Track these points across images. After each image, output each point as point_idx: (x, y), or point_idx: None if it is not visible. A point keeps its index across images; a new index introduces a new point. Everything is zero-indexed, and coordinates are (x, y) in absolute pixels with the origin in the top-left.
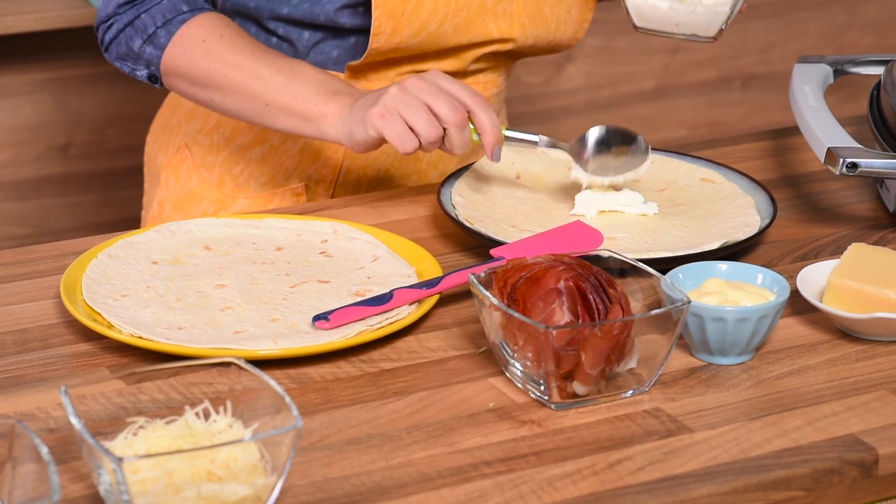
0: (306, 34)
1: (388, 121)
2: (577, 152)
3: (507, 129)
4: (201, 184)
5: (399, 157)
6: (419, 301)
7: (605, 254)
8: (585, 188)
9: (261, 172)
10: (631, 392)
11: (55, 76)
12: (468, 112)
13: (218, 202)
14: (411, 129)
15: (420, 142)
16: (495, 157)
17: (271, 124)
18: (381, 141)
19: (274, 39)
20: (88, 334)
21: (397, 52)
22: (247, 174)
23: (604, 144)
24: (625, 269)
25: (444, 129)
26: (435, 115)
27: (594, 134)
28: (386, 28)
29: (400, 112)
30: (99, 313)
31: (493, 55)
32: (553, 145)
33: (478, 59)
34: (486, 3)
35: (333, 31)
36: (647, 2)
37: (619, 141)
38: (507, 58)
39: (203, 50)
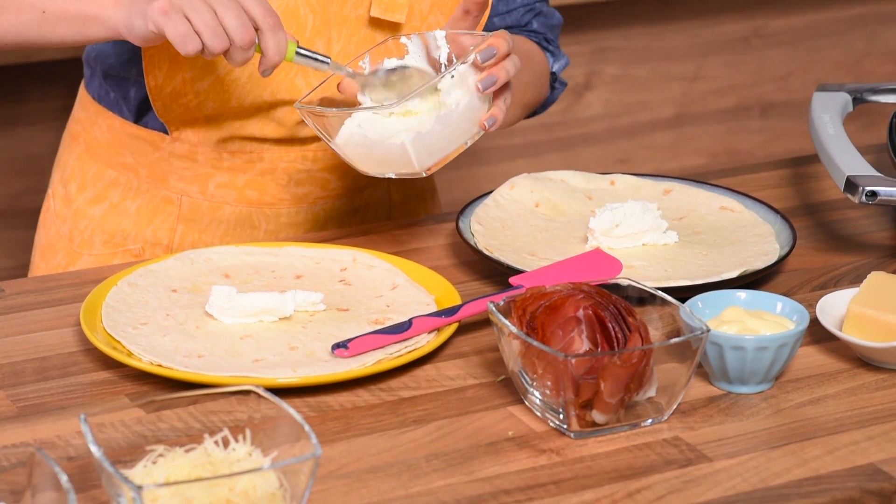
0: (133, 90)
1: (170, 18)
2: (366, 80)
3: (298, 47)
4: (57, 235)
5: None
6: (438, 329)
7: (625, 282)
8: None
9: (102, 231)
10: (650, 421)
11: (73, 104)
12: (257, 31)
13: (68, 256)
14: (195, 31)
15: (203, 47)
16: (263, 74)
17: (51, 36)
18: (161, 37)
19: (105, 97)
20: (108, 362)
21: (190, 102)
22: (90, 231)
23: (393, 73)
24: (644, 298)
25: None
26: (222, 27)
27: (387, 64)
28: (161, 63)
29: (185, 12)
30: (119, 341)
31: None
32: (339, 69)
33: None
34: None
35: None
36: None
37: (405, 76)
38: None
39: None
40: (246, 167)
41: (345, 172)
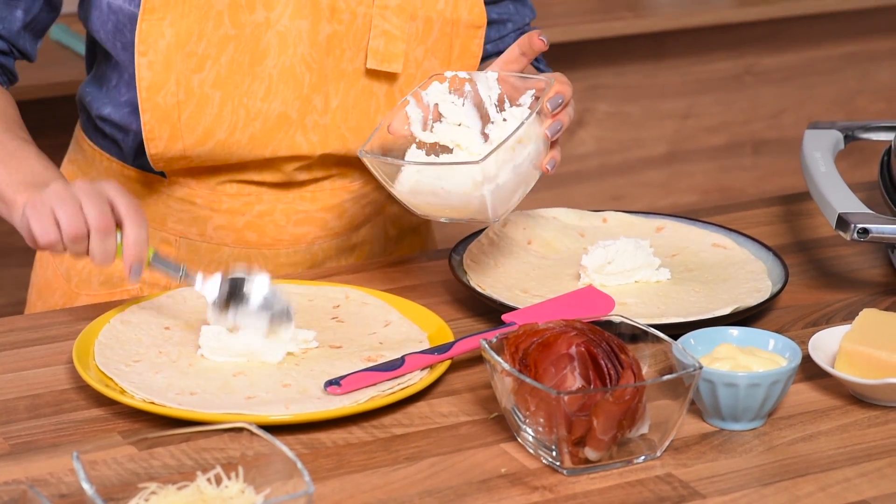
0: (130, 137)
1: (37, 210)
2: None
3: (154, 253)
4: (54, 274)
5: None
6: (431, 366)
7: (617, 319)
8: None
9: (99, 271)
10: (643, 457)
11: (66, 142)
12: (118, 223)
13: (66, 295)
14: (57, 223)
15: (61, 236)
16: (132, 276)
17: None
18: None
19: (102, 139)
20: (101, 399)
21: (191, 162)
22: (87, 272)
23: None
24: (636, 335)
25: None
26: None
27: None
28: (161, 133)
29: (50, 205)
30: (111, 378)
31: (335, 162)
32: (189, 278)
33: (306, 169)
34: (289, 116)
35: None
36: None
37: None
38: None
39: None
40: (244, 209)
41: (342, 212)
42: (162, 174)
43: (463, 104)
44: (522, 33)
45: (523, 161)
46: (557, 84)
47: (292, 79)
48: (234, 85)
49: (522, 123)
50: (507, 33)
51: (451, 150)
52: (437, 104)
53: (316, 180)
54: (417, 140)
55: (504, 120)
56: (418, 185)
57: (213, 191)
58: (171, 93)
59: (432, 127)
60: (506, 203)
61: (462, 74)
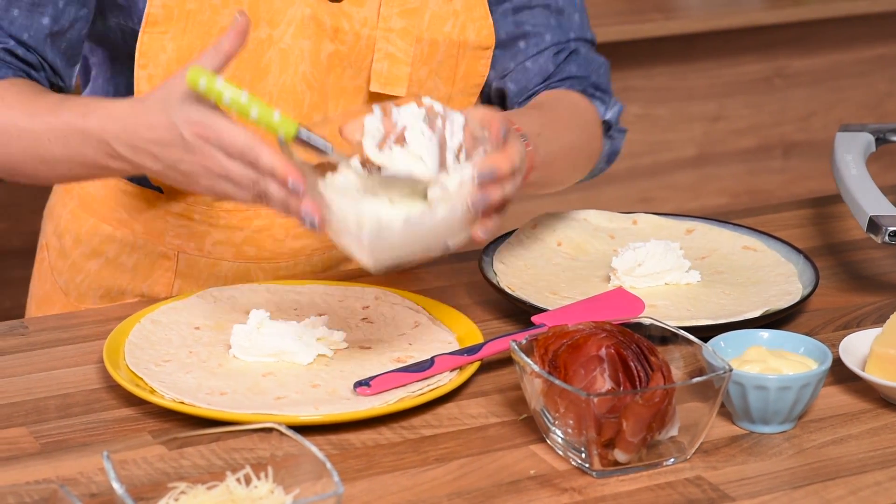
0: None
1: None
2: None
3: (298, 128)
4: (53, 287)
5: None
6: (460, 368)
7: (647, 321)
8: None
9: (98, 285)
10: (672, 460)
11: None
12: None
13: (65, 309)
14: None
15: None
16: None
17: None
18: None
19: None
20: (131, 399)
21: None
22: (86, 285)
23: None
24: (666, 337)
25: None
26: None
27: (396, 164)
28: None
29: (206, 182)
30: (141, 378)
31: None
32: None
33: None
34: None
35: None
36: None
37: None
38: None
39: None
40: (242, 224)
41: None
42: (159, 189)
43: (430, 139)
44: (562, 49)
45: (423, 219)
46: (497, 155)
47: (293, 97)
48: None
49: (437, 177)
50: (545, 47)
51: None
52: (405, 127)
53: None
54: (364, 156)
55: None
56: (329, 190)
57: (211, 206)
58: None
59: (391, 147)
60: (388, 253)
61: (437, 107)
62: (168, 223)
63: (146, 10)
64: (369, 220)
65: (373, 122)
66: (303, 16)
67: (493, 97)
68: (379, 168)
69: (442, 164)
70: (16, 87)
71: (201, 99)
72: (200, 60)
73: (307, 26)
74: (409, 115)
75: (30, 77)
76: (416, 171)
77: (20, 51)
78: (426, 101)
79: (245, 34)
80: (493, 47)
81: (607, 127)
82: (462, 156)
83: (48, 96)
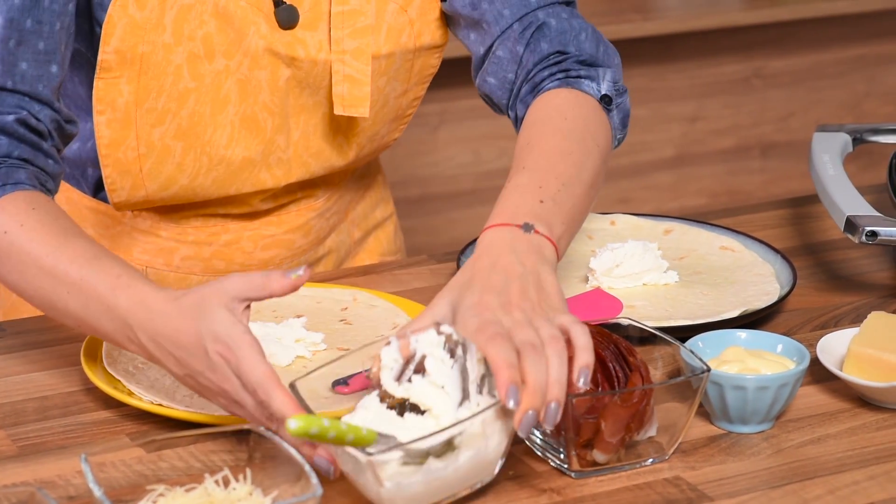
0: (88, 177)
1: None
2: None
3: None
4: (20, 299)
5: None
6: None
7: (625, 322)
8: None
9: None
10: (651, 460)
11: None
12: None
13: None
14: None
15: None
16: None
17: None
18: None
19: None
20: (109, 402)
21: (155, 204)
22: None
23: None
24: (644, 337)
25: None
26: None
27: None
28: (123, 184)
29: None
30: (119, 381)
31: (300, 186)
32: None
33: (271, 198)
34: (253, 159)
35: None
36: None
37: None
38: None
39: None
40: (211, 239)
41: (308, 230)
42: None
43: (451, 367)
44: (533, 26)
45: (447, 467)
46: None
47: (254, 125)
48: (195, 136)
49: (445, 429)
50: (506, 25)
51: (423, 411)
52: (424, 356)
53: (282, 206)
54: (383, 389)
55: (478, 405)
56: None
57: (178, 224)
58: (132, 147)
59: (410, 378)
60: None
61: (456, 336)
62: (135, 239)
63: (99, 57)
64: (388, 477)
65: (390, 354)
66: (257, 48)
67: (487, 102)
68: (399, 404)
69: (465, 394)
70: (37, 211)
71: (235, 315)
72: (238, 285)
73: (262, 57)
74: (428, 343)
75: (41, 151)
76: (431, 431)
77: (32, 121)
78: (445, 328)
79: (296, 290)
80: (445, 45)
81: (608, 101)
82: (485, 387)
83: (76, 241)
